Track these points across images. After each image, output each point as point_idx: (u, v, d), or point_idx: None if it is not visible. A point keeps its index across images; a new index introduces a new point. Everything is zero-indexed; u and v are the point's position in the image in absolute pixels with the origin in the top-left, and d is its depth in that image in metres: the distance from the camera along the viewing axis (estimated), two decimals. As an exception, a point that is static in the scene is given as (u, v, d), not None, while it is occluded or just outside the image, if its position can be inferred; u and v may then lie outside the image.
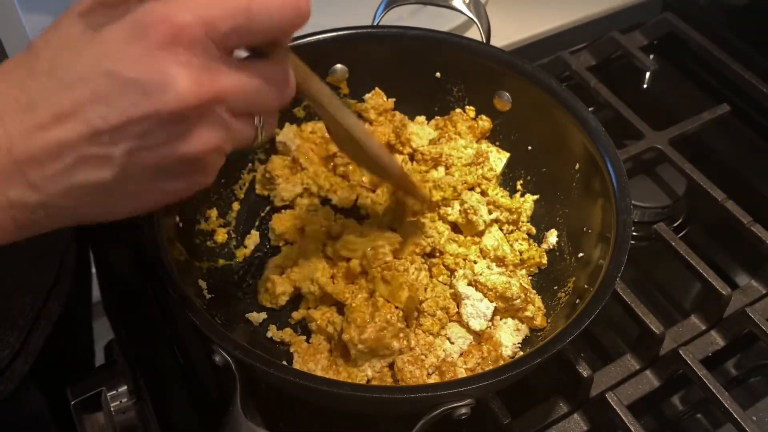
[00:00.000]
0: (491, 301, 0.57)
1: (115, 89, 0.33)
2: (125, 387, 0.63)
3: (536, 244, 0.63)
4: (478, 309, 0.56)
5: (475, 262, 0.61)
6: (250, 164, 0.67)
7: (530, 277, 0.62)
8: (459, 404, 0.46)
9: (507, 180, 0.68)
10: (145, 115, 0.33)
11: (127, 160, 0.34)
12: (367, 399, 0.46)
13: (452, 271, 0.61)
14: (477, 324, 0.56)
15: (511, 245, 0.62)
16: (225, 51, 0.35)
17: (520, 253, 0.61)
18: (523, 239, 0.63)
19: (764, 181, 0.73)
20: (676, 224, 0.73)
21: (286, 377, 0.45)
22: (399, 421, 0.48)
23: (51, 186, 0.34)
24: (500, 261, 0.60)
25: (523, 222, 0.64)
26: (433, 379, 0.54)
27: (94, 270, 0.77)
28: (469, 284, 0.58)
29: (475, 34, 0.68)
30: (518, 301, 0.56)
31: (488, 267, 0.60)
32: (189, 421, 0.59)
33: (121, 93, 0.33)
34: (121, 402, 0.62)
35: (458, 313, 0.58)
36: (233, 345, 0.46)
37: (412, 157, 0.68)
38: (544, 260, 0.62)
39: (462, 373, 0.54)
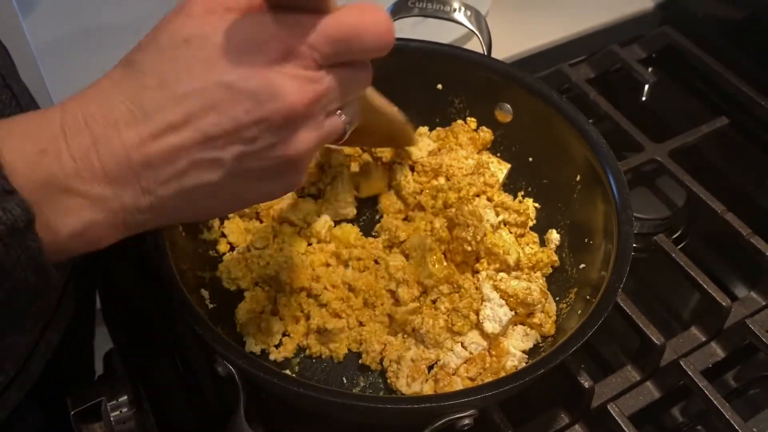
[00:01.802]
0: (511, 309, 0.57)
1: (228, 99, 0.36)
2: (125, 397, 0.62)
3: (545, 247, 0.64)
4: (496, 313, 0.56)
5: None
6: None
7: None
8: (462, 415, 0.46)
9: (508, 191, 0.68)
10: (255, 121, 0.36)
11: (235, 164, 0.37)
12: (370, 409, 0.46)
13: (475, 272, 0.61)
14: (491, 327, 0.56)
15: (522, 248, 0.63)
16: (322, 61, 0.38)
17: (533, 254, 0.62)
18: (534, 242, 0.63)
19: (763, 194, 0.74)
20: (675, 236, 0.73)
21: (289, 387, 0.45)
22: (401, 429, 0.48)
23: (163, 190, 0.37)
24: (515, 265, 0.61)
25: (531, 220, 0.65)
26: (429, 386, 0.54)
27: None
28: (494, 288, 0.58)
29: (476, 46, 0.68)
30: (539, 306, 0.57)
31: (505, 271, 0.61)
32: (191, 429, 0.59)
33: (233, 102, 0.36)
34: (121, 412, 0.62)
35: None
36: (237, 355, 0.46)
37: (412, 168, 0.68)
38: (555, 257, 0.62)
39: (459, 383, 0.54)
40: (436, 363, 0.56)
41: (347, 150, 0.68)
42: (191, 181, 0.37)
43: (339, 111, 0.41)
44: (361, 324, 0.59)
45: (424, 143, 0.68)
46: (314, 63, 0.37)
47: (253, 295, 0.59)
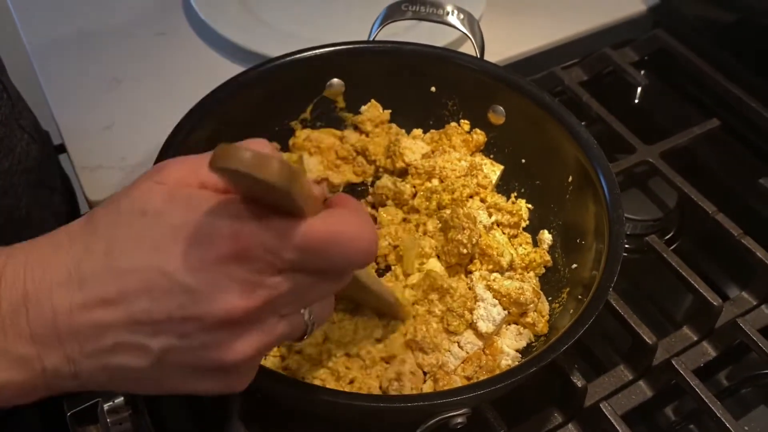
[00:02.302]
0: (504, 308, 0.58)
1: (164, 288, 0.34)
2: (122, 398, 0.63)
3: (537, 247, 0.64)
4: (489, 313, 0.57)
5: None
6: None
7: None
8: (455, 413, 0.46)
9: (501, 192, 0.68)
10: (188, 318, 0.34)
11: (163, 355, 0.35)
12: (364, 408, 0.46)
13: (468, 273, 0.61)
14: (484, 326, 0.56)
15: (516, 249, 0.63)
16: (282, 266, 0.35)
17: (526, 255, 0.62)
18: (527, 243, 0.64)
19: (753, 194, 0.74)
20: (667, 237, 0.74)
21: (284, 388, 0.45)
22: (396, 428, 0.48)
23: (86, 362, 0.35)
24: (508, 266, 0.61)
25: (524, 221, 0.65)
26: (428, 386, 0.54)
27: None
28: (487, 288, 0.59)
29: (469, 49, 0.69)
30: (531, 305, 0.57)
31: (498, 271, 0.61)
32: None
33: (169, 293, 0.34)
34: (117, 413, 0.62)
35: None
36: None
37: (405, 172, 0.69)
38: (548, 257, 0.62)
39: (457, 382, 0.54)
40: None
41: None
42: (116, 361, 0.35)
43: (303, 309, 0.38)
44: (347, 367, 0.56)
45: (417, 146, 0.69)
46: (271, 267, 0.34)
47: None
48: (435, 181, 0.66)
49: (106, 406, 0.62)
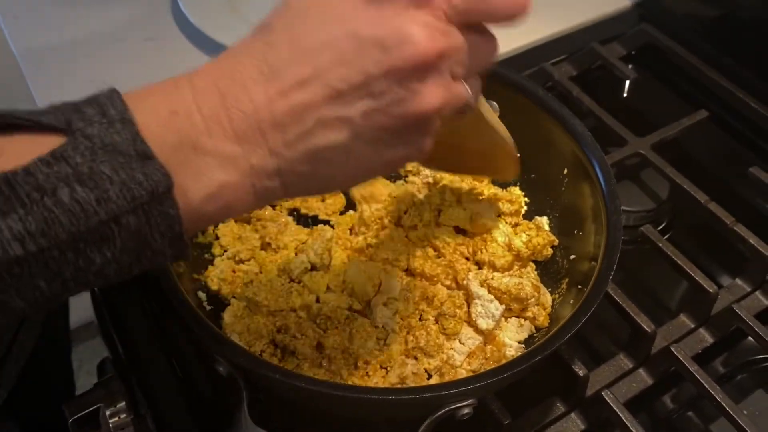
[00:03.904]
0: (505, 305, 0.58)
1: (355, 49, 0.35)
2: (123, 403, 0.62)
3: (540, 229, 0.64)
4: (487, 309, 0.57)
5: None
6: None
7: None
8: (462, 404, 0.47)
9: (497, 186, 0.69)
10: (384, 72, 0.35)
11: (362, 122, 0.36)
12: (371, 401, 0.47)
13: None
14: (484, 323, 0.57)
15: (519, 236, 0.64)
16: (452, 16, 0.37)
17: (529, 241, 0.63)
18: (529, 228, 0.64)
19: (743, 183, 0.76)
20: (660, 227, 0.75)
21: (292, 383, 0.45)
22: (402, 425, 0.48)
23: (290, 151, 0.36)
24: (516, 256, 0.62)
25: (522, 207, 0.66)
26: (435, 380, 0.54)
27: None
28: (481, 285, 0.59)
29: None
30: (532, 300, 0.57)
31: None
32: (190, 433, 0.59)
33: (361, 52, 0.35)
34: (119, 418, 0.62)
35: (467, 312, 0.58)
36: (240, 354, 0.47)
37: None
38: (552, 237, 0.63)
39: (463, 375, 0.54)
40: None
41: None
42: (318, 142, 0.36)
43: (464, 78, 0.39)
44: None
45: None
46: (444, 14, 0.37)
47: (237, 301, 0.59)
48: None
49: (107, 411, 0.62)
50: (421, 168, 0.68)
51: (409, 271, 0.61)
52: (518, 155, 0.57)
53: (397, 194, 0.66)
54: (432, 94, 0.37)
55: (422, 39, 0.35)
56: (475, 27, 0.39)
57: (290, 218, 0.65)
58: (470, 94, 0.40)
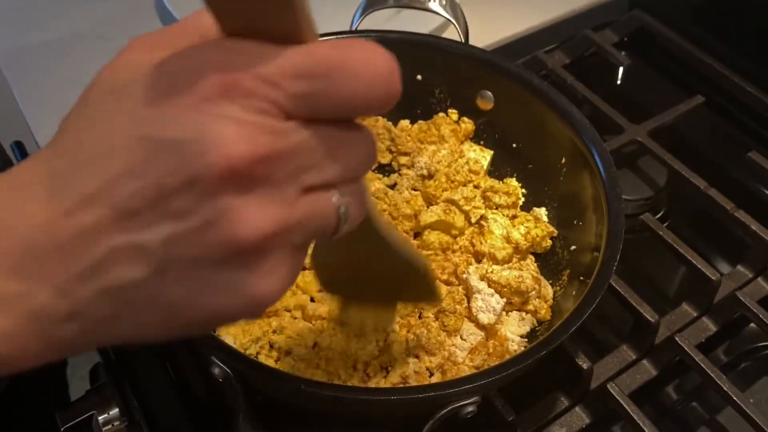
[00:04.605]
0: (506, 298, 0.57)
1: (147, 157, 0.26)
2: (116, 409, 0.61)
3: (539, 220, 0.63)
4: (488, 303, 0.56)
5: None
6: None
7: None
8: (466, 402, 0.45)
9: (493, 178, 0.67)
10: (182, 183, 0.26)
11: (164, 251, 0.27)
12: (372, 402, 0.45)
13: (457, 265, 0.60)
14: (485, 318, 0.55)
15: (517, 228, 0.62)
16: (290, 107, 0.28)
17: (528, 233, 0.61)
18: (527, 220, 0.63)
19: (740, 169, 0.75)
20: (658, 216, 0.74)
21: (292, 385, 0.44)
22: (405, 426, 0.47)
23: (81, 289, 0.28)
24: (515, 249, 0.61)
25: (520, 199, 0.65)
26: (437, 378, 0.53)
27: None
28: (481, 279, 0.58)
29: (452, 36, 0.68)
30: (533, 292, 0.56)
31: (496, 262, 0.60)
32: (187, 439, 0.57)
33: (155, 160, 0.26)
34: (113, 425, 0.61)
35: (468, 307, 0.57)
36: (235, 356, 0.45)
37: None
38: (551, 227, 0.62)
39: (466, 372, 0.53)
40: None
41: None
42: (112, 278, 0.27)
43: (329, 188, 0.29)
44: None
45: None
46: (275, 106, 0.27)
47: None
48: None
49: (100, 419, 0.61)
50: (416, 159, 0.66)
51: None
52: (435, 279, 0.47)
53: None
54: (256, 215, 0.27)
55: (231, 140, 0.26)
56: (334, 120, 0.29)
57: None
58: (343, 209, 0.30)
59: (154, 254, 0.27)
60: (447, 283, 0.59)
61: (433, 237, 0.61)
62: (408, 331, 0.55)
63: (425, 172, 0.66)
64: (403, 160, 0.69)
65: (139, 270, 0.27)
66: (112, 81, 0.29)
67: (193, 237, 0.27)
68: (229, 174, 0.26)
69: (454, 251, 0.61)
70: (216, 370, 0.47)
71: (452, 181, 0.64)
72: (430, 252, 0.60)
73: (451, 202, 0.62)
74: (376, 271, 0.41)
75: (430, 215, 0.61)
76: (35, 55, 0.82)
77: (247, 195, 0.27)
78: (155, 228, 0.27)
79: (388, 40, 0.66)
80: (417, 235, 0.63)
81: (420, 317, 0.57)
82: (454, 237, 0.62)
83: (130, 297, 0.28)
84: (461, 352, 0.55)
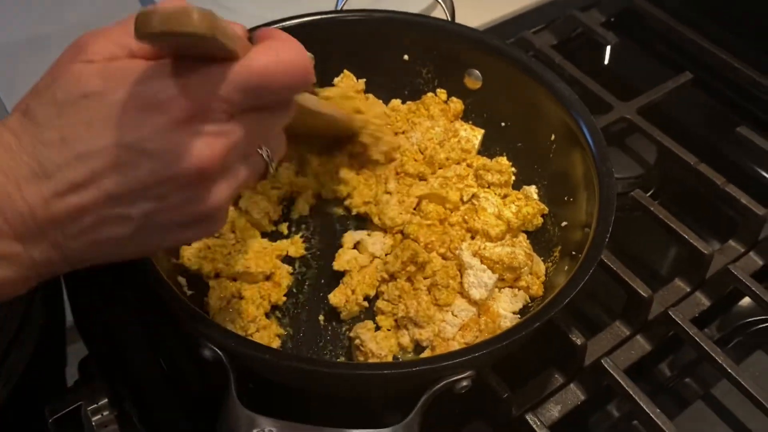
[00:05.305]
0: (498, 274, 0.56)
1: (132, 160, 0.35)
2: (105, 400, 0.60)
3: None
4: (480, 279, 0.55)
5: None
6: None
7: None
8: (460, 377, 0.45)
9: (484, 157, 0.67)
10: (162, 181, 0.35)
11: (145, 219, 0.36)
12: (366, 377, 0.45)
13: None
14: (477, 293, 0.55)
15: (509, 207, 0.62)
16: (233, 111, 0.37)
17: (519, 211, 0.61)
18: (518, 198, 0.62)
19: (729, 144, 0.75)
20: (649, 193, 0.73)
21: (282, 363, 0.43)
22: (399, 401, 0.47)
23: (73, 243, 0.36)
24: (501, 234, 0.60)
25: (511, 177, 0.64)
26: (426, 355, 0.53)
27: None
28: (474, 255, 0.57)
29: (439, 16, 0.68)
30: (525, 268, 0.56)
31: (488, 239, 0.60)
32: (178, 426, 0.56)
33: (137, 163, 0.35)
34: (102, 415, 0.60)
35: (460, 283, 0.57)
36: (225, 335, 0.44)
37: None
38: (542, 205, 0.61)
39: (456, 348, 0.53)
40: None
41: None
42: (100, 235, 0.36)
43: (260, 149, 0.40)
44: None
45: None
46: (224, 115, 0.36)
47: (218, 282, 0.57)
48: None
49: (89, 409, 0.60)
50: (409, 135, 0.66)
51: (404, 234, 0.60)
52: (349, 116, 0.60)
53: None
54: (217, 193, 0.37)
55: (200, 152, 0.35)
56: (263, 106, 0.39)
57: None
58: (267, 158, 0.40)
59: (136, 220, 0.36)
60: (444, 257, 0.58)
61: (431, 207, 0.60)
62: (399, 301, 0.55)
63: (416, 148, 0.65)
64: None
65: (122, 230, 0.36)
66: (82, 84, 0.35)
67: (168, 211, 0.37)
68: (199, 173, 0.36)
69: (451, 224, 0.60)
70: (205, 351, 0.46)
71: (447, 159, 0.64)
72: (429, 222, 0.60)
73: (444, 179, 0.62)
74: (320, 129, 0.59)
75: (422, 188, 0.61)
76: (20, 50, 0.81)
77: (209, 184, 0.37)
78: (138, 204, 0.36)
79: (374, 19, 0.66)
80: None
81: (415, 288, 0.56)
82: (450, 211, 0.61)
83: (113, 244, 0.37)
84: (452, 328, 0.54)
